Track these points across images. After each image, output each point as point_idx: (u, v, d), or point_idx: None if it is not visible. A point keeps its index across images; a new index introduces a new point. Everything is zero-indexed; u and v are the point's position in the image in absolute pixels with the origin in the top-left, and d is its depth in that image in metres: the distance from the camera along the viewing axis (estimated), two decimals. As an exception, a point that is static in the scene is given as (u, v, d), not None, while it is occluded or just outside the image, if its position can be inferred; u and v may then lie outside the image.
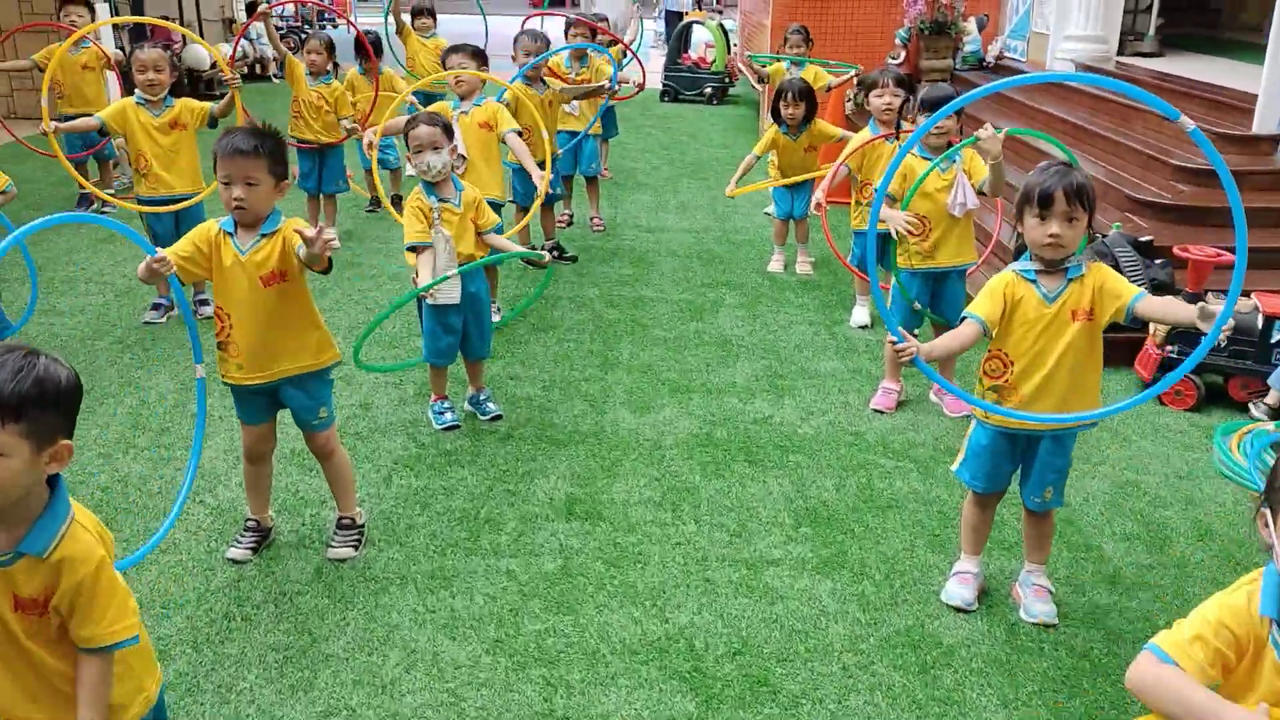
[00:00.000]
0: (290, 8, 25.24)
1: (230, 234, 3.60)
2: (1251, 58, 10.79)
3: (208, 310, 6.25)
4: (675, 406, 5.25)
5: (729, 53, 15.85)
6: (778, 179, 7.41)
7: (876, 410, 5.26)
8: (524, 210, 7.08)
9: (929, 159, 5.01)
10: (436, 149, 4.71)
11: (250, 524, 3.99)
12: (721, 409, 5.23)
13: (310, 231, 3.37)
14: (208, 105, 6.17)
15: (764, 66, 9.36)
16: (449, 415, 5.01)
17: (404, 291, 6.26)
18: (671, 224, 8.74)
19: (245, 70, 16.38)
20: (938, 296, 5.28)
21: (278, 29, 21.71)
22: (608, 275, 7.29)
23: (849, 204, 6.71)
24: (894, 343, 3.30)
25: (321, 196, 7.86)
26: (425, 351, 4.99)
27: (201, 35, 16.51)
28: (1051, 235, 3.28)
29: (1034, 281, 3.40)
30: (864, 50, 12.38)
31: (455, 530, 4.11)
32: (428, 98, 9.08)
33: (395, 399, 5.28)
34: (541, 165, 6.29)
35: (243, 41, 16.00)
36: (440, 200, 4.78)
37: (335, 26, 27.79)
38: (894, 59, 12.27)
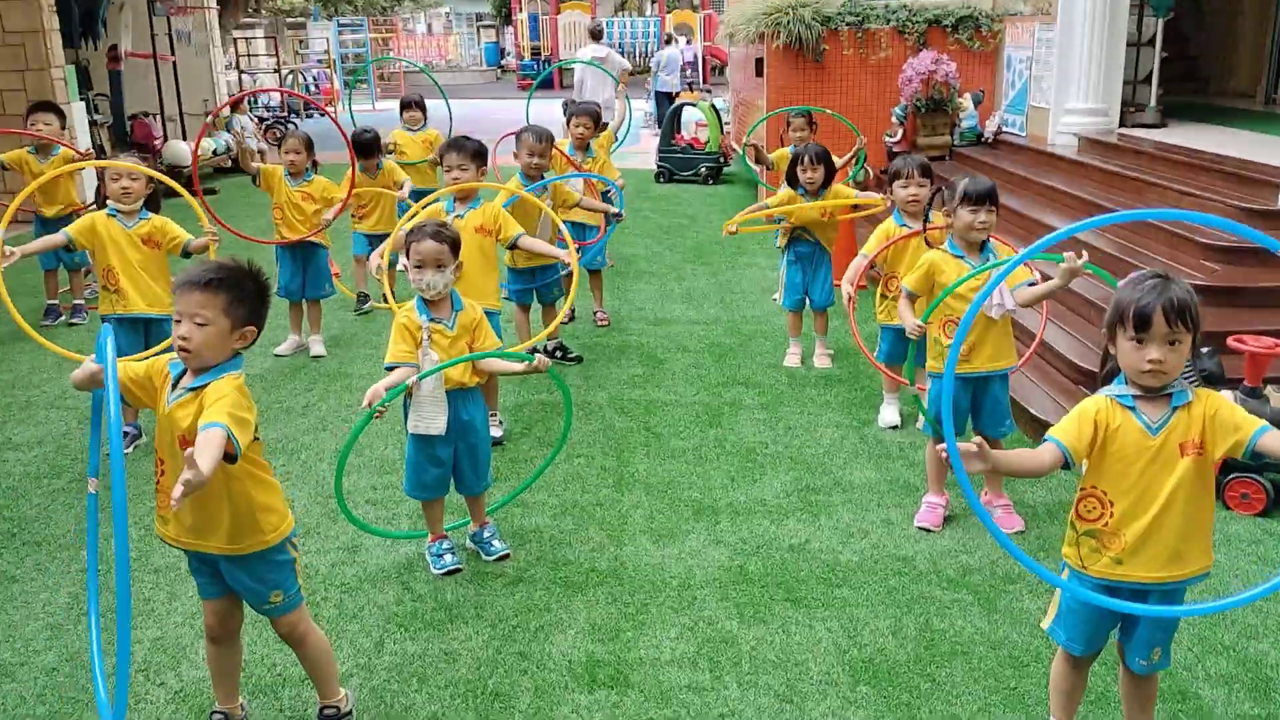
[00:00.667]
0: (275, 98, 25.16)
1: (175, 378, 3.10)
2: (1253, 125, 10.56)
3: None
4: (702, 533, 4.77)
5: (722, 133, 15.62)
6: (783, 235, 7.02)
7: (922, 528, 4.79)
8: (545, 305, 6.86)
9: (960, 257, 4.61)
10: (441, 267, 4.24)
11: (217, 717, 3.42)
12: (753, 534, 4.75)
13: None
14: (184, 237, 5.74)
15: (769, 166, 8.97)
16: (449, 558, 4.46)
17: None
18: (679, 314, 8.33)
19: (229, 164, 16.06)
20: (978, 405, 4.83)
21: (261, 119, 21.53)
22: (616, 376, 6.85)
23: (866, 288, 6.32)
24: (942, 450, 2.81)
25: (305, 302, 7.43)
26: (406, 484, 4.48)
27: (183, 129, 16.24)
28: (1151, 361, 2.84)
29: (1132, 409, 2.96)
30: (860, 128, 12.08)
31: (460, 709, 3.56)
32: (420, 195, 8.73)
33: (384, 540, 4.77)
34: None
35: (225, 134, 15.71)
36: (433, 320, 4.29)
37: (323, 116, 27.73)
38: (890, 137, 12.01)
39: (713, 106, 15.62)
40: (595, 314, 8.12)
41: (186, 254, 5.73)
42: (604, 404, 6.36)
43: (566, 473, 5.40)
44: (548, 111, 16.10)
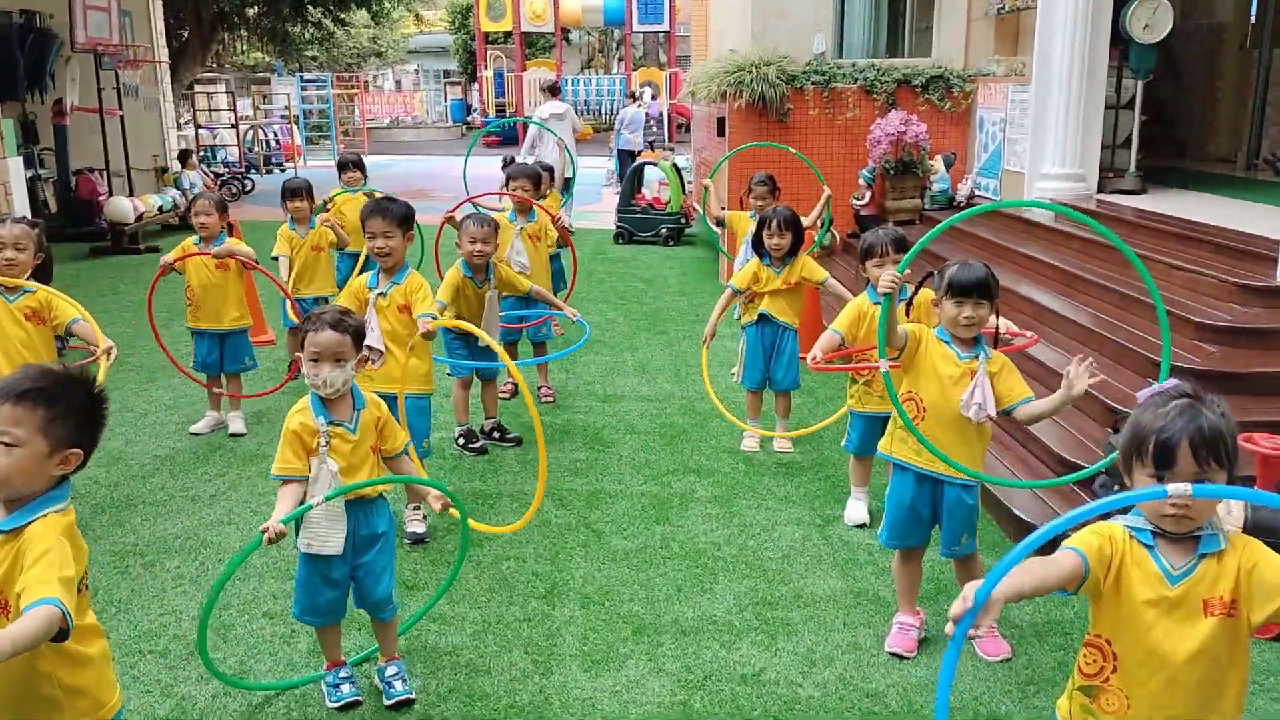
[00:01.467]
0: (234, 153, 24.59)
1: None
2: (1237, 193, 10.17)
3: None
4: (641, 659, 4.13)
5: (684, 193, 15.16)
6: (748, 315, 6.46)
7: (894, 654, 4.19)
8: (484, 382, 6.51)
9: (947, 343, 4.04)
10: (340, 362, 3.63)
11: None
12: (700, 660, 4.13)
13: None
14: (70, 315, 5.11)
15: (719, 221, 8.54)
16: (346, 688, 3.82)
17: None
18: (630, 390, 7.74)
19: (176, 220, 15.45)
20: (939, 511, 4.16)
21: (218, 175, 20.95)
22: (558, 462, 6.24)
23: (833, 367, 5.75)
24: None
25: (225, 375, 6.81)
26: (296, 607, 3.82)
27: (130, 185, 15.62)
28: (1176, 505, 2.30)
29: (1151, 548, 2.41)
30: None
31: None
32: (354, 259, 8.18)
33: (282, 661, 4.12)
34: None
35: (173, 191, 15.11)
36: (332, 422, 3.67)
37: (282, 170, 27.18)
38: (858, 199, 11.57)
39: (674, 166, 15.17)
40: (540, 389, 7.53)
41: (62, 341, 5.14)
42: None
43: (493, 579, 4.77)
44: (488, 170, 15.63)
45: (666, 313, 10.41)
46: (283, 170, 27.23)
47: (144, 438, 6.67)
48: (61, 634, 2.31)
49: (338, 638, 3.93)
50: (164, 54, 16.24)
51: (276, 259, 7.58)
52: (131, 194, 15.26)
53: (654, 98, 28.60)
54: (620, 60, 40.56)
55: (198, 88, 26.72)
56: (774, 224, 6.18)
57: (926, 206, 11.53)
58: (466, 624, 4.37)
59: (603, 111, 35.34)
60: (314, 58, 39.20)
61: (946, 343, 4.02)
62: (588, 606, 4.53)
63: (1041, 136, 10.11)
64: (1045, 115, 10.03)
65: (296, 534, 3.68)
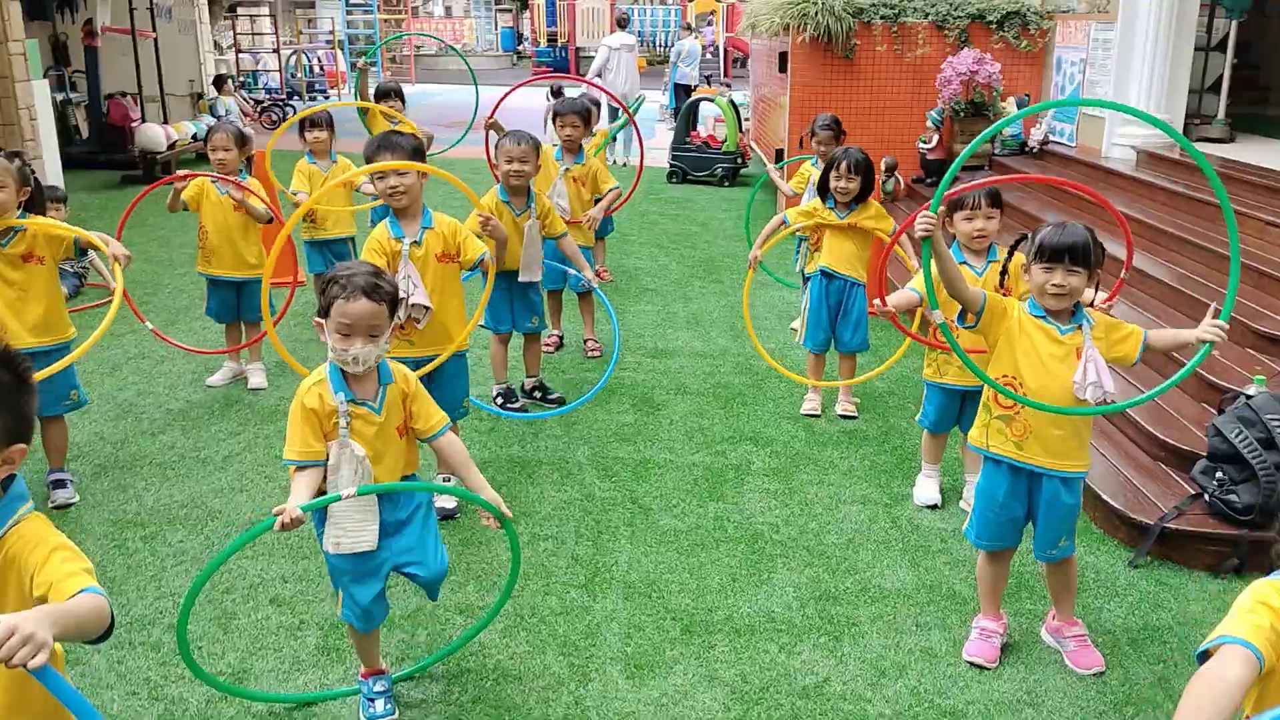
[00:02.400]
0: (275, 79, 24.12)
1: None
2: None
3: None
4: (691, 662, 3.71)
5: (740, 131, 14.52)
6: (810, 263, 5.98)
7: (973, 663, 3.74)
8: (526, 336, 6.04)
9: (1042, 318, 3.52)
10: (374, 336, 3.13)
11: None
12: (756, 666, 3.69)
13: None
14: (71, 234, 4.64)
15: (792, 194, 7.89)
16: (381, 705, 3.35)
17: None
18: (682, 344, 7.27)
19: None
20: (1035, 508, 3.66)
21: (259, 102, 20.51)
22: (604, 426, 5.80)
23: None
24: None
25: (244, 323, 6.40)
26: (345, 610, 3.32)
27: (165, 111, 15.23)
28: None
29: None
30: (892, 133, 11.05)
31: None
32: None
33: (287, 658, 3.72)
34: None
35: (208, 118, 14.71)
36: (353, 401, 3.19)
37: (327, 98, 26.70)
38: (925, 143, 10.92)
39: (731, 102, 14.53)
40: (585, 343, 7.08)
41: (82, 253, 4.75)
42: (585, 463, 5.32)
43: (530, 562, 4.35)
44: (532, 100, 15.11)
45: (721, 259, 9.90)
46: (326, 98, 26.76)
47: (158, 388, 6.29)
48: (106, 632, 2.04)
49: (378, 641, 3.50)
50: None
51: (297, 197, 7.14)
52: (166, 121, 14.88)
53: (709, 25, 27.80)
54: (675, -11, 39.51)
55: (240, 11, 26.23)
56: (843, 165, 5.67)
57: (997, 152, 10.86)
58: (498, 618, 3.96)
59: (657, 44, 34.49)
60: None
61: (1041, 317, 3.51)
62: (632, 598, 4.11)
63: (1125, 78, 9.42)
64: (1130, 55, 9.34)
65: (319, 527, 3.25)
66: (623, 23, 17.62)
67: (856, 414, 6.01)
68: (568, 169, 6.77)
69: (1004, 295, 3.88)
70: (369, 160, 4.54)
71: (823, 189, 5.83)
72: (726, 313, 8.08)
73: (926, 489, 4.99)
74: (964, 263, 4.57)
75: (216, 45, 26.28)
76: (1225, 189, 3.51)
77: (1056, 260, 3.41)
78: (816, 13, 10.64)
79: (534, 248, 5.65)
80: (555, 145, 6.87)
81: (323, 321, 3.16)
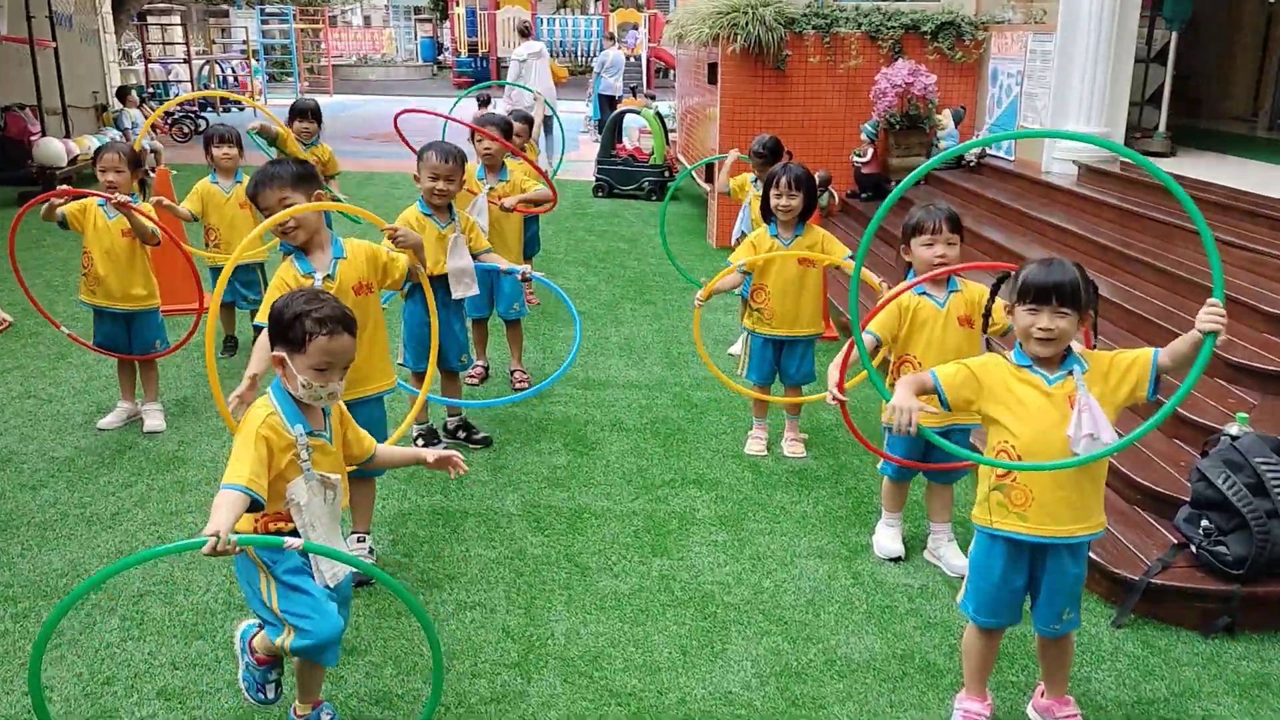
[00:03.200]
0: (186, 89, 23.22)
1: None
2: (1266, 156, 9.32)
3: None
4: (641, 761, 3.26)
5: (667, 143, 14.13)
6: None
7: (959, 752, 3.34)
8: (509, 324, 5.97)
9: (1028, 367, 3.12)
10: (346, 368, 3.05)
11: None
12: (716, 764, 3.26)
13: None
14: None
15: (725, 193, 7.57)
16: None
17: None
18: (616, 374, 6.82)
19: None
20: (1037, 578, 3.24)
21: (170, 114, 19.64)
22: (534, 470, 5.32)
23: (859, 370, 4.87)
24: None
25: (137, 363, 5.81)
26: (308, 639, 2.94)
27: (67, 124, 14.44)
28: None
29: None
30: (824, 146, 10.73)
31: None
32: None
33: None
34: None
35: (112, 131, 13.96)
36: (310, 432, 2.97)
37: (240, 109, 25.85)
38: (860, 157, 10.64)
39: (658, 114, 14.14)
40: (512, 374, 6.60)
41: None
42: (515, 514, 4.84)
43: (454, 637, 3.86)
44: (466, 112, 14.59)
45: (651, 278, 9.48)
46: (240, 109, 25.91)
47: (43, 433, 5.67)
48: None
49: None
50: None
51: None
52: (68, 134, 14.10)
53: (633, 34, 27.48)
54: (597, 0, 39.13)
55: (150, 19, 25.30)
56: (784, 181, 5.27)
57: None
58: (418, 706, 3.47)
59: (578, 54, 34.07)
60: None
61: (1028, 366, 3.12)
62: (572, 679, 3.64)
63: (1064, 91, 9.20)
64: (1070, 67, 9.12)
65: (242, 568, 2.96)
66: (525, 31, 17.49)
67: (805, 453, 5.61)
68: (491, 187, 6.30)
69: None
70: (252, 198, 4.09)
71: (765, 211, 5.44)
72: (660, 337, 7.65)
73: (888, 539, 4.58)
74: (924, 293, 4.21)
75: (125, 55, 25.34)
76: (1174, 208, 3.13)
77: (1043, 301, 3.01)
78: (747, 23, 10.28)
79: (462, 260, 5.17)
80: (478, 163, 6.41)
81: (285, 356, 2.95)
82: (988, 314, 3.57)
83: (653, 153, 14.01)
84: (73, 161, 13.00)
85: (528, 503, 4.95)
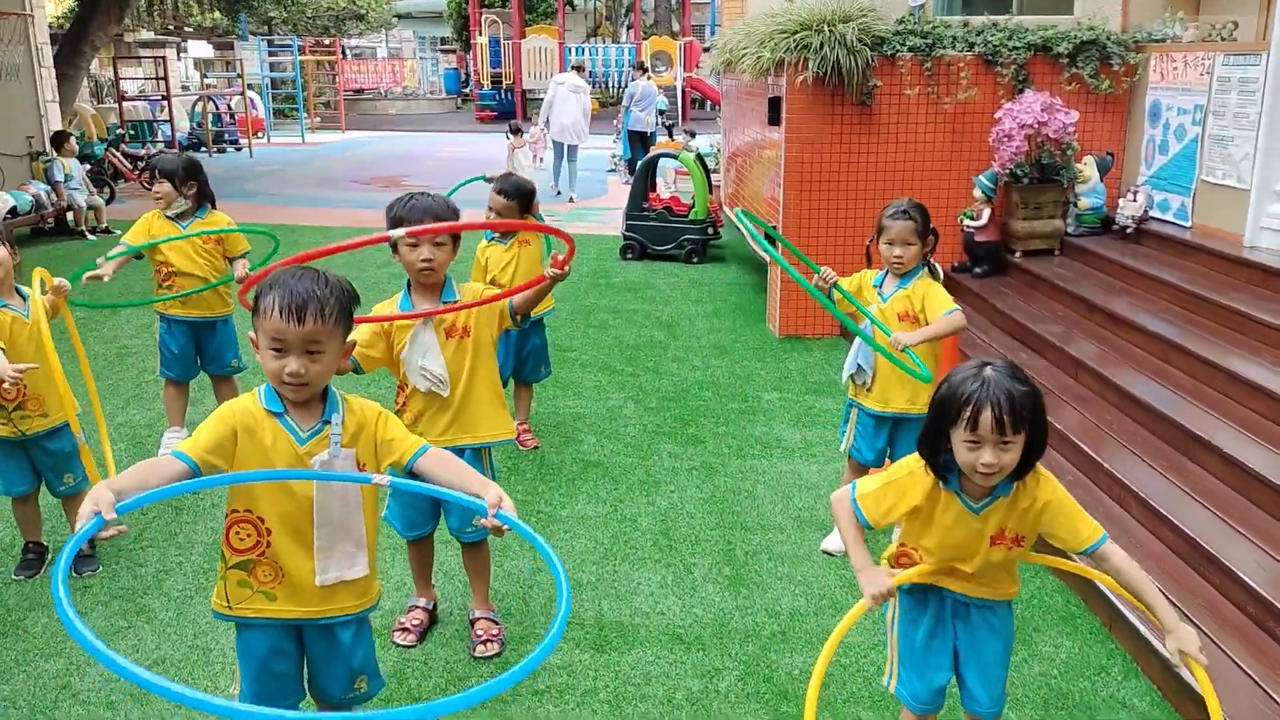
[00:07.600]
0: (168, 129, 20.89)
1: None
2: None
3: None
4: None
5: (710, 191, 11.51)
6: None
7: None
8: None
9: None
10: None
11: None
12: None
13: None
14: None
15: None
16: None
17: None
18: (648, 607, 4.16)
19: (50, 224, 11.95)
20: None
21: (134, 159, 17.23)
22: None
23: None
24: None
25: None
26: None
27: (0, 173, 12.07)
28: None
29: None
30: (926, 200, 8.04)
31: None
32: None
33: None
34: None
35: (39, 186, 11.54)
36: None
37: (237, 149, 23.56)
38: (972, 219, 7.97)
39: (699, 157, 11.51)
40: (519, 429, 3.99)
41: None
42: None
43: None
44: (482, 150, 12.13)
45: (698, 392, 6.83)
46: (238, 149, 23.63)
47: None
48: None
49: None
50: (31, 5, 12.47)
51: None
52: (1, 185, 11.72)
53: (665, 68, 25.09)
54: (629, 28, 36.77)
55: (143, 52, 23.05)
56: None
57: (1070, 230, 7.93)
58: None
59: (610, 85, 31.68)
60: (272, 18, 35.30)
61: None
62: None
63: (1275, 134, 6.51)
64: (1287, 99, 6.44)
65: None
66: (579, 68, 16.92)
67: None
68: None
69: None
70: None
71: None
72: (716, 514, 5.01)
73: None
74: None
75: (95, 92, 23.09)
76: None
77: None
78: (822, 44, 7.67)
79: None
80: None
81: None
82: None
83: (693, 204, 11.39)
84: (11, 213, 10.59)
85: None
